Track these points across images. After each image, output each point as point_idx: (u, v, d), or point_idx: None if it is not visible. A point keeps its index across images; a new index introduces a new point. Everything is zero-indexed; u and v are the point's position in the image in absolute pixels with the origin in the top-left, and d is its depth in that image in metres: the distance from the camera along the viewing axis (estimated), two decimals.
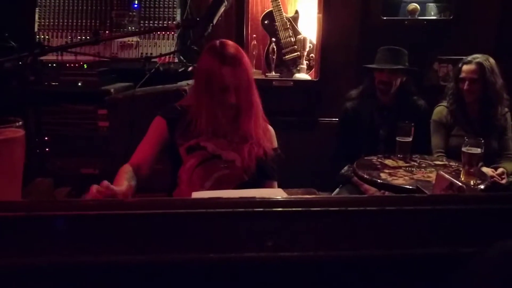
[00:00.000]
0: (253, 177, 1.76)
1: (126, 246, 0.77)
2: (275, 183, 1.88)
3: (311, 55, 3.35)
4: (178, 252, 0.77)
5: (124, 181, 1.54)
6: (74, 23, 3.05)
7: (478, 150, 2.12)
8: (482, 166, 2.33)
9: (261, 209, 0.77)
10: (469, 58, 2.70)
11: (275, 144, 1.90)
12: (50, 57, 2.84)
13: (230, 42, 1.68)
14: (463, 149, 2.14)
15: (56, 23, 3.06)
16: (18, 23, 3.13)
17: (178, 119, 1.75)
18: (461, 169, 2.20)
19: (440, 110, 2.84)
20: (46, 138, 2.84)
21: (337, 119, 3.03)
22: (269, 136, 1.86)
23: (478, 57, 2.68)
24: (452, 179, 1.34)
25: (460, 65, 2.74)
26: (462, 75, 2.70)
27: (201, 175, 1.72)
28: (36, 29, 3.06)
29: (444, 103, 2.84)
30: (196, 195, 1.41)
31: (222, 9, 1.34)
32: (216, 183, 1.73)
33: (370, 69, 2.83)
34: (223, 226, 0.78)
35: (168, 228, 0.78)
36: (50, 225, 0.78)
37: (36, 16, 3.05)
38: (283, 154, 1.91)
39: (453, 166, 2.36)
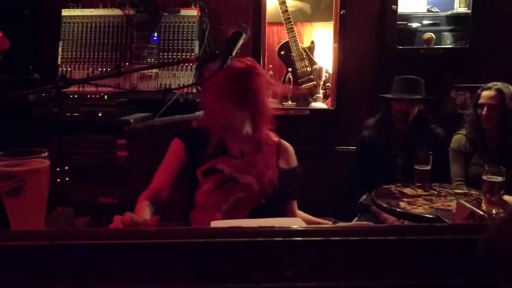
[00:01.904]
0: (270, 200, 1.74)
1: (146, 275, 0.78)
2: (295, 202, 1.86)
3: (327, 84, 3.38)
4: (198, 282, 0.78)
5: (146, 209, 1.56)
6: (96, 56, 3.14)
7: (499, 179, 2.09)
8: (503, 194, 2.29)
9: (280, 239, 0.78)
10: (489, 84, 2.70)
11: (294, 162, 1.87)
12: (72, 88, 2.92)
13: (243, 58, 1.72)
14: (484, 177, 2.11)
15: (78, 56, 3.15)
16: (42, 56, 3.23)
17: (195, 140, 1.76)
18: (482, 197, 2.16)
19: (459, 139, 2.82)
20: (66, 167, 2.89)
21: (354, 148, 3.03)
22: (286, 155, 1.85)
23: (498, 84, 2.68)
24: (473, 208, 1.32)
25: (479, 91, 2.74)
26: (481, 100, 2.69)
27: (218, 198, 1.71)
28: (59, 62, 3.15)
29: (462, 131, 2.82)
30: (215, 224, 1.41)
31: (241, 42, 1.37)
32: (233, 206, 1.71)
33: (387, 98, 2.84)
34: (242, 255, 0.78)
35: (188, 257, 0.78)
36: (73, 254, 0.79)
37: (60, 49, 3.15)
38: (300, 170, 1.89)
39: (473, 195, 2.33)
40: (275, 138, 1.85)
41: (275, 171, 1.75)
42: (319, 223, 1.80)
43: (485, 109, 2.66)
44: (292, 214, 1.86)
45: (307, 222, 1.81)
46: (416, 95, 2.75)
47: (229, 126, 1.74)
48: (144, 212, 1.54)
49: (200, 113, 2.59)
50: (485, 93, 2.69)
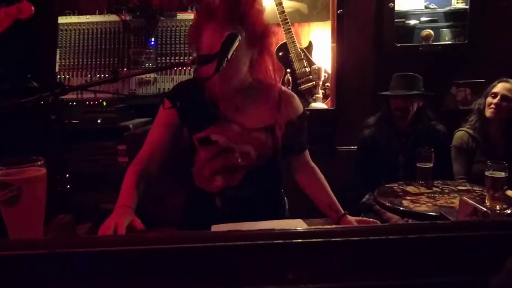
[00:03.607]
0: (270, 160, 1.69)
1: (147, 281, 0.77)
2: (306, 152, 1.82)
3: (326, 84, 3.37)
4: (198, 287, 0.77)
5: (134, 192, 1.49)
6: (93, 62, 3.14)
7: (502, 174, 2.08)
8: (506, 190, 2.28)
9: (281, 241, 0.77)
10: (505, 79, 2.73)
11: (300, 109, 1.77)
12: (71, 95, 2.92)
13: None
14: (487, 173, 2.10)
15: (76, 63, 3.15)
16: (40, 64, 3.23)
17: (187, 99, 1.63)
18: (485, 194, 2.15)
19: (461, 135, 2.80)
20: (67, 175, 2.89)
21: (355, 147, 3.01)
22: (289, 104, 1.74)
23: None
24: (476, 204, 1.31)
25: (495, 82, 2.74)
26: (496, 90, 2.70)
27: (213, 168, 1.65)
28: (57, 69, 3.15)
29: (464, 128, 2.81)
30: (215, 228, 1.40)
31: (236, 44, 1.36)
32: (228, 172, 1.66)
33: (386, 96, 2.83)
34: (243, 259, 0.77)
35: (188, 262, 0.78)
36: (72, 262, 0.78)
37: (57, 57, 3.15)
38: (307, 112, 1.80)
39: (477, 191, 2.31)
40: (277, 85, 1.73)
41: (278, 128, 1.67)
42: (330, 205, 1.75)
43: (498, 98, 2.67)
44: (302, 165, 1.81)
45: (320, 192, 1.78)
46: (413, 91, 2.74)
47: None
48: (131, 195, 1.48)
49: None
50: (502, 84, 2.72)
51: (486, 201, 2.09)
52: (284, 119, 1.70)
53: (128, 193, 1.51)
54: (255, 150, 1.65)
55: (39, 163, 1.02)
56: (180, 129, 1.67)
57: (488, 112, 2.70)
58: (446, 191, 2.32)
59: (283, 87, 1.78)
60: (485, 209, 1.25)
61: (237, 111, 1.66)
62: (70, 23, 3.16)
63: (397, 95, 2.75)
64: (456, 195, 2.23)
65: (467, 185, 2.49)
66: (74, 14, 3.19)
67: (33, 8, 2.18)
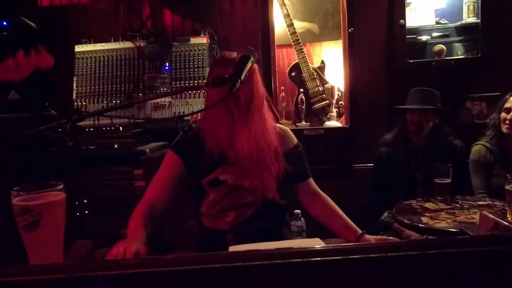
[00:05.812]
0: (279, 189, 1.73)
1: None
2: (310, 180, 1.86)
3: (340, 102, 3.38)
4: None
5: (141, 231, 1.52)
6: (109, 89, 3.19)
7: None
8: None
9: (299, 260, 0.76)
10: None
11: (294, 141, 1.86)
12: (87, 122, 2.97)
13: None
14: (507, 187, 2.06)
15: (92, 90, 3.21)
16: (58, 93, 3.30)
17: (190, 150, 1.72)
18: (506, 208, 2.11)
19: (478, 149, 2.77)
20: (85, 200, 2.91)
21: (372, 165, 2.99)
22: (285, 139, 1.82)
23: None
24: (497, 219, 1.28)
25: (507, 96, 2.71)
26: (509, 104, 2.66)
27: (225, 206, 1.72)
28: (74, 97, 3.21)
29: (482, 142, 2.78)
30: (233, 248, 1.39)
31: (249, 65, 1.38)
32: (239, 209, 1.72)
33: (403, 113, 2.81)
34: (261, 279, 0.77)
35: (207, 283, 0.77)
36: (92, 286, 0.78)
37: (74, 84, 3.22)
38: (301, 145, 1.87)
39: (497, 206, 2.27)
40: (272, 124, 1.79)
41: (279, 162, 1.71)
42: (346, 226, 1.78)
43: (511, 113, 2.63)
44: (311, 194, 1.86)
45: (334, 216, 1.81)
46: (429, 106, 2.73)
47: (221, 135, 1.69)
48: (139, 234, 1.50)
49: None
50: None
51: (508, 215, 2.05)
52: (282, 150, 1.76)
53: (138, 230, 1.54)
54: (262, 183, 1.69)
55: (59, 187, 1.04)
56: (185, 175, 1.73)
57: (504, 128, 2.66)
58: (466, 206, 2.28)
59: (277, 125, 1.86)
60: (507, 224, 1.23)
61: (241, 159, 1.69)
62: (86, 51, 3.24)
63: (413, 109, 2.74)
64: (476, 210, 2.19)
65: (487, 199, 2.44)
66: (90, 43, 3.26)
67: (53, 59, 2.29)
